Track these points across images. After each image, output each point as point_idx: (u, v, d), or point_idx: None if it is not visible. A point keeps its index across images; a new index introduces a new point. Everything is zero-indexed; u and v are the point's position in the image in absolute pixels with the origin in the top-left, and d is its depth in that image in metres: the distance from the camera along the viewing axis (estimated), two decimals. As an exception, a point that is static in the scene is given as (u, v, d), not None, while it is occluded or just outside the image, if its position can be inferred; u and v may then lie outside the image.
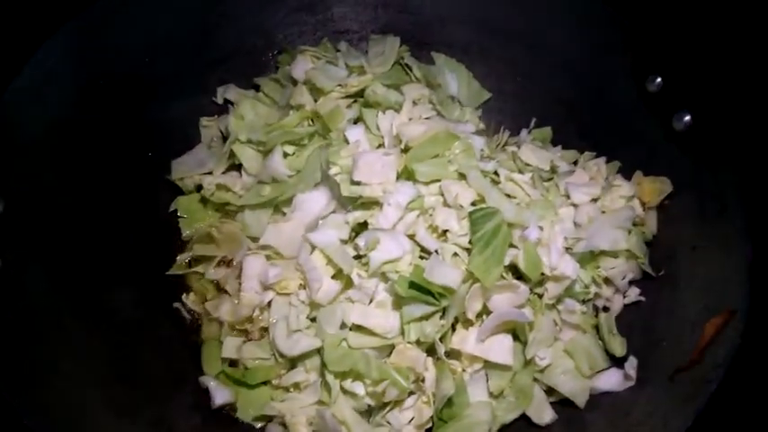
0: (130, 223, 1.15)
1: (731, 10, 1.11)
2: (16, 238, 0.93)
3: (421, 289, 0.96)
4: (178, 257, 1.18)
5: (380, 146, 1.14)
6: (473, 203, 1.05)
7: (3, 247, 0.90)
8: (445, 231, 1.04)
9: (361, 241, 1.03)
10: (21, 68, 1.01)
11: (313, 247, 1.06)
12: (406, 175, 1.08)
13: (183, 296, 1.14)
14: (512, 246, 1.02)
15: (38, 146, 1.02)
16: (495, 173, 1.11)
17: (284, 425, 1.01)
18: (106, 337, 0.99)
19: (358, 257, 1.05)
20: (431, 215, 1.05)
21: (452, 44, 1.36)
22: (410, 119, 1.17)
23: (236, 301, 1.09)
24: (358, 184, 1.06)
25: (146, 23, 1.17)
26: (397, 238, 1.02)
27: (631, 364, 0.98)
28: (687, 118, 1.06)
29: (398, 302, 0.99)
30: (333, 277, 1.04)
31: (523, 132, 1.29)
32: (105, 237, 1.09)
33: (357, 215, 1.07)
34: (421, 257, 1.03)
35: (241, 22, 1.29)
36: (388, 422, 0.99)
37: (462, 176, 1.07)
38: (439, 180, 1.07)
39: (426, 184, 1.08)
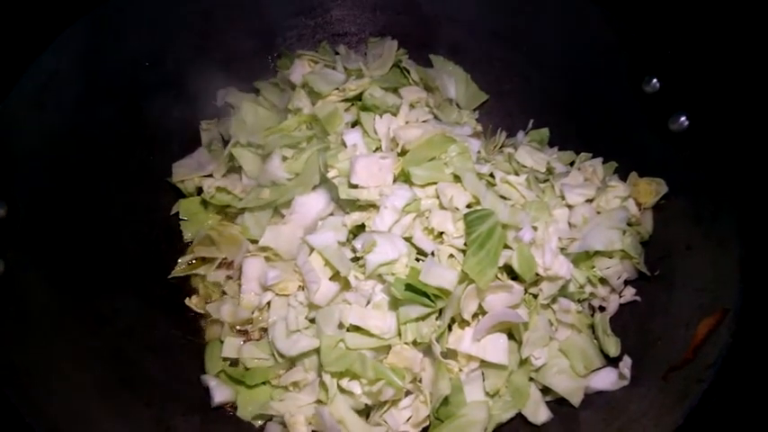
0: (132, 226, 1.17)
1: (728, 12, 1.11)
2: (19, 242, 0.95)
3: (417, 290, 0.98)
4: (180, 260, 1.20)
5: (378, 149, 1.16)
6: (468, 206, 1.06)
7: (5, 250, 0.92)
8: (441, 233, 1.05)
9: (357, 244, 1.05)
10: (22, 75, 1.02)
11: (311, 249, 1.07)
12: (403, 177, 1.10)
13: (187, 299, 1.16)
14: (506, 247, 1.03)
15: (40, 151, 1.04)
16: (491, 175, 1.13)
17: (283, 424, 1.03)
18: (109, 339, 1.01)
19: (355, 259, 1.06)
20: (427, 217, 1.06)
21: (450, 46, 1.37)
22: (407, 122, 1.18)
23: (237, 303, 1.10)
24: (355, 187, 1.07)
25: (146, 28, 1.18)
26: (394, 241, 1.03)
27: (626, 364, 0.98)
28: (683, 119, 1.07)
29: (395, 304, 1.01)
30: (331, 279, 1.06)
31: (520, 134, 1.30)
32: (107, 240, 1.11)
33: (355, 217, 1.09)
34: (417, 259, 1.05)
35: (241, 25, 1.31)
36: (386, 421, 1.00)
37: (458, 179, 1.08)
38: (435, 183, 1.08)
39: (422, 186, 1.09)
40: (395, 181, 1.09)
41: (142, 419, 0.95)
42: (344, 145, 1.13)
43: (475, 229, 1.01)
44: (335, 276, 1.06)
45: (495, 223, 1.01)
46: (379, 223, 1.05)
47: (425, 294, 0.98)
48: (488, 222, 1.01)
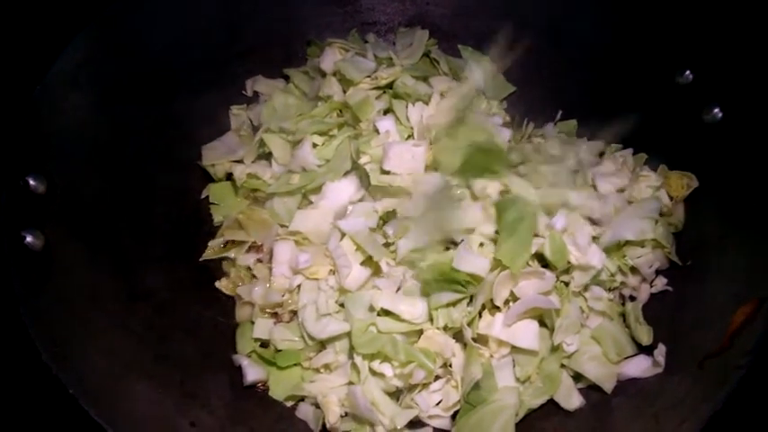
0: (163, 207, 1.18)
1: (763, 2, 1.11)
2: (58, 218, 0.96)
3: (448, 277, 0.98)
4: (210, 243, 1.20)
5: (410, 137, 1.16)
6: (499, 194, 1.06)
7: (44, 225, 0.93)
8: (472, 221, 1.05)
9: (389, 229, 1.05)
10: (58, 56, 1.03)
11: (343, 234, 1.07)
12: (435, 165, 1.10)
13: (216, 282, 1.17)
14: (538, 236, 1.03)
15: (76, 130, 1.05)
16: (522, 163, 1.12)
17: (316, 405, 1.03)
18: (142, 316, 1.02)
19: (386, 245, 1.07)
20: (458, 204, 1.06)
21: (479, 37, 1.37)
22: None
23: (268, 285, 1.11)
24: (387, 173, 1.08)
25: (177, 14, 1.19)
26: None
27: (660, 351, 0.97)
28: (717, 111, 1.07)
29: (426, 289, 1.01)
30: (362, 264, 1.06)
31: (549, 125, 1.30)
32: (139, 219, 1.12)
33: (386, 203, 1.09)
34: (447, 247, 1.05)
35: (270, 13, 1.32)
36: (417, 404, 1.00)
37: (489, 167, 1.08)
38: (467, 171, 1.08)
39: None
40: (426, 168, 1.10)
41: (177, 395, 0.96)
42: (377, 132, 1.14)
43: (506, 216, 1.01)
44: (367, 261, 1.06)
45: (526, 210, 1.02)
46: (410, 210, 1.05)
47: (457, 281, 0.98)
48: (520, 210, 1.02)
